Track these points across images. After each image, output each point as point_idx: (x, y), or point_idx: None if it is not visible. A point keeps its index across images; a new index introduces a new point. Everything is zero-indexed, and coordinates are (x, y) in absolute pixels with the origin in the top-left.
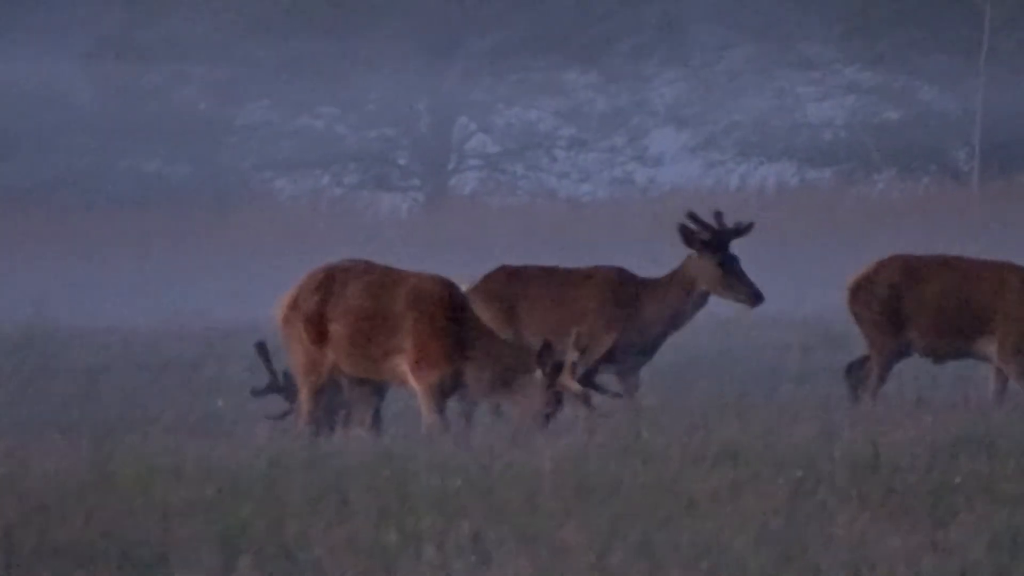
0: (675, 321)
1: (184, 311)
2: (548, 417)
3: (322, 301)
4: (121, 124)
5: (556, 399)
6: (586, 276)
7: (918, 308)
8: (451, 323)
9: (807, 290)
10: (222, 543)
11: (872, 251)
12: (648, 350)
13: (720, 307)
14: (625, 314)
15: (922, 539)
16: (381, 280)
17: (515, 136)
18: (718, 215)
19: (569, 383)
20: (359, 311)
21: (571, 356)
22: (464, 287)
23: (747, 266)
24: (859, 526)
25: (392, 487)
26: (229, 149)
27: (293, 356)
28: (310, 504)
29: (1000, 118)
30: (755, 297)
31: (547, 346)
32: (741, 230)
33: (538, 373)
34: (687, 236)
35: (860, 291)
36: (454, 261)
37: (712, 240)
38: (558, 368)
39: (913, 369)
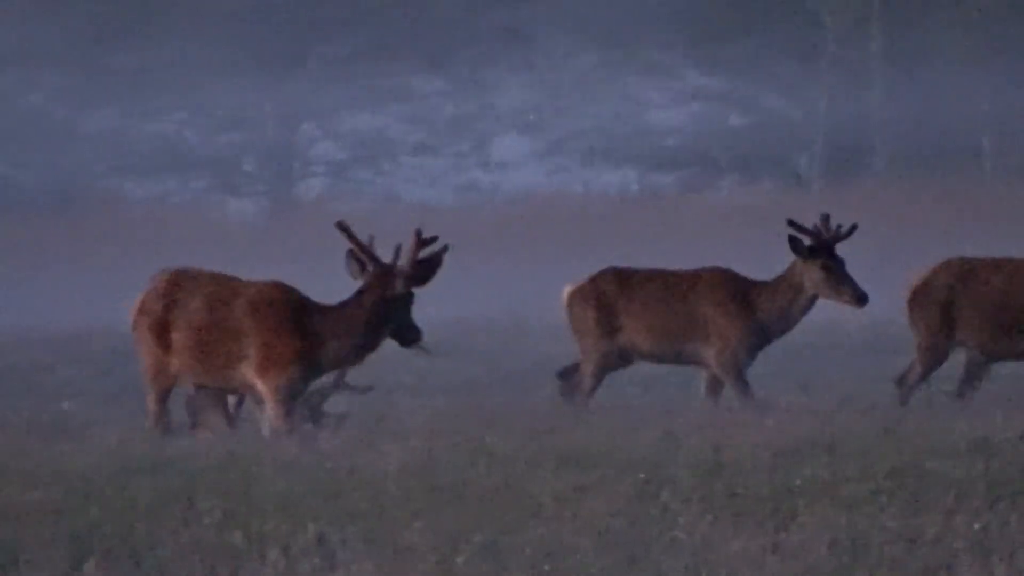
0: (782, 323)
1: (33, 315)
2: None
3: (166, 308)
4: None
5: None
6: (697, 277)
7: (973, 308)
8: (293, 326)
9: None
10: (70, 545)
11: (715, 256)
12: (754, 351)
13: (560, 311)
14: (739, 312)
15: (764, 541)
16: (220, 292)
17: (361, 142)
18: (825, 218)
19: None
20: (200, 323)
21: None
22: (568, 288)
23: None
24: (702, 528)
25: (238, 490)
26: (78, 154)
27: (141, 360)
28: (157, 506)
29: (842, 125)
30: (859, 298)
31: (378, 266)
32: (843, 234)
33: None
34: (793, 243)
35: (919, 295)
36: (300, 265)
37: (816, 245)
38: (386, 275)
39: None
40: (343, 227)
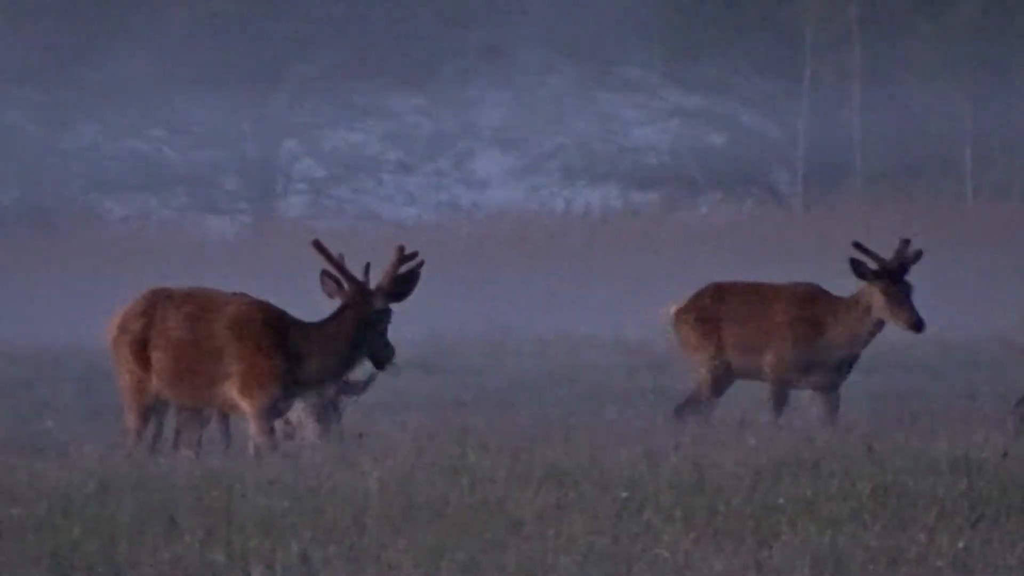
0: (850, 344)
1: (12, 332)
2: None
3: (145, 327)
4: None
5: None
6: (780, 292)
7: None
8: (274, 344)
9: (631, 312)
10: (52, 563)
11: (695, 274)
12: (840, 368)
13: (541, 329)
14: (812, 331)
15: (746, 560)
16: (198, 310)
17: (341, 160)
18: (905, 242)
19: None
20: (179, 342)
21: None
22: (673, 307)
23: (571, 290)
24: (684, 547)
25: (220, 507)
26: (57, 171)
27: (120, 379)
28: (139, 524)
29: (822, 142)
30: (915, 324)
31: (356, 284)
32: (910, 258)
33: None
34: (855, 267)
35: None
36: (280, 284)
37: (881, 269)
38: (365, 292)
39: (736, 391)
40: (318, 246)
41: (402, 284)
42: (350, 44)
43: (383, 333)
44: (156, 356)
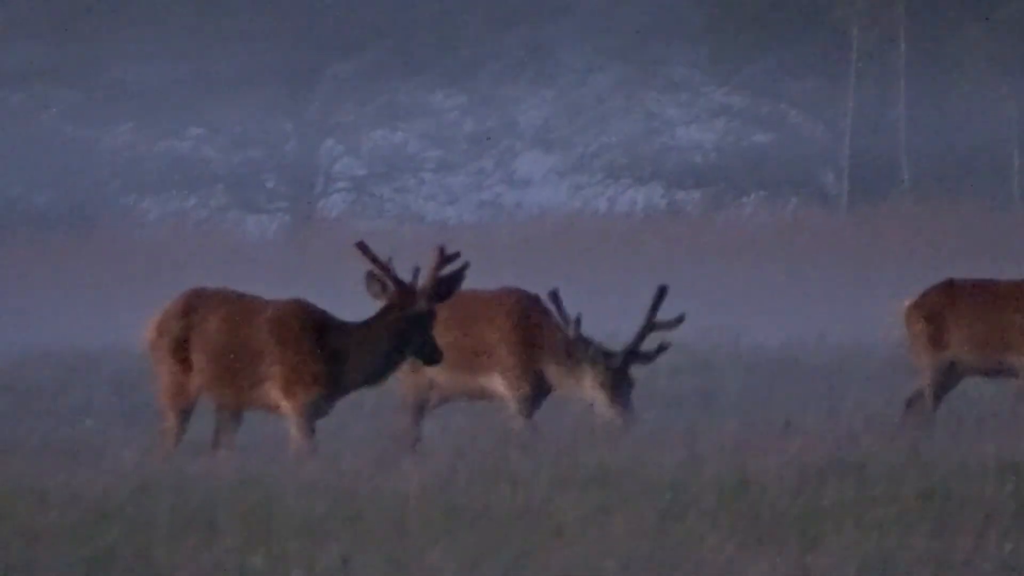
0: None
1: (50, 334)
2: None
3: (185, 328)
4: None
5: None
6: (1017, 288)
7: None
8: (316, 345)
9: (677, 312)
10: (89, 568)
11: (740, 273)
12: None
13: (583, 329)
14: None
15: (791, 563)
16: (238, 312)
17: (382, 159)
18: None
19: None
20: (220, 345)
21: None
22: (907, 301)
23: (615, 290)
24: (728, 550)
25: (259, 511)
26: (94, 172)
27: (159, 380)
28: (177, 528)
29: (868, 142)
30: None
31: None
32: None
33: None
34: None
35: None
36: (321, 283)
37: None
38: (409, 293)
39: (781, 393)
40: (363, 248)
41: (445, 285)
42: (391, 43)
43: (428, 333)
44: (196, 357)
